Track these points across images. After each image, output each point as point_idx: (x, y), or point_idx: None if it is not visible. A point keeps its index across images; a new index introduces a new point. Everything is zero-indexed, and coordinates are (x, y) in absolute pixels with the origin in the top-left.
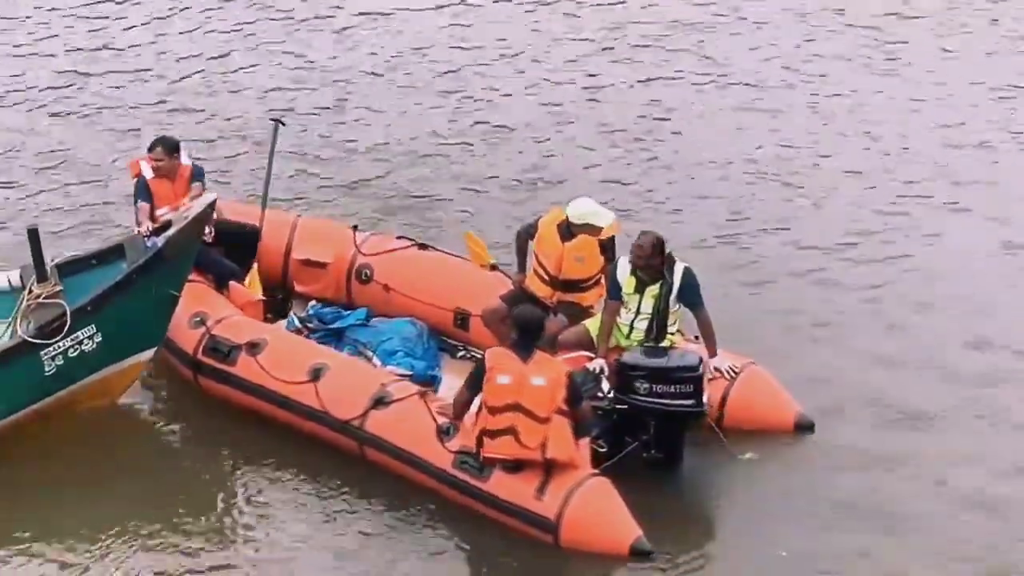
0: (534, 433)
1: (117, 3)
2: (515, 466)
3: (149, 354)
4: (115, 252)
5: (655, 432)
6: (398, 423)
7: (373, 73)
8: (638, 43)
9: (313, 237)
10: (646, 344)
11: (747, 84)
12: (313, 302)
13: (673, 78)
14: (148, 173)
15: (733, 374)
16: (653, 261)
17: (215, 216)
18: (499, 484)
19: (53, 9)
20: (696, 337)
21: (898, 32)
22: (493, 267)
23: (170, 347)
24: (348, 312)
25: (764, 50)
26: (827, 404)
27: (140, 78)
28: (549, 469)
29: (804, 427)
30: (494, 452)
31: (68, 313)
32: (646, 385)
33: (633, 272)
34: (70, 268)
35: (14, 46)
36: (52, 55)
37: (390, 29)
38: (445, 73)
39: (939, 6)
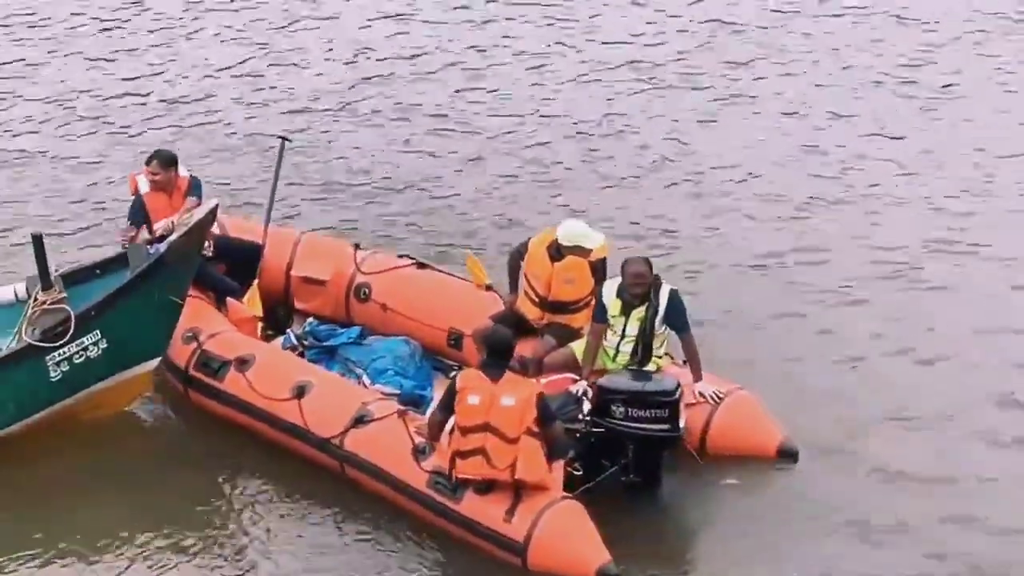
0: (504, 453)
1: (127, 21)
2: (486, 487)
3: (154, 363)
4: (119, 261)
5: (633, 456)
6: (376, 442)
7: (384, 92)
8: (661, 64)
9: (314, 254)
10: (628, 367)
11: (782, 114)
12: (311, 319)
13: (696, 108)
14: (145, 187)
15: (717, 399)
16: (649, 281)
17: (218, 232)
18: (470, 505)
19: (68, 25)
20: (684, 361)
21: (937, 65)
22: (488, 288)
23: (164, 360)
24: (342, 330)
25: (798, 81)
26: (819, 434)
27: (150, 92)
28: (519, 491)
29: (787, 454)
30: (465, 472)
31: (72, 317)
32: (622, 409)
33: (619, 295)
34: (75, 277)
35: (29, 62)
36: (66, 67)
37: (403, 49)
38: (459, 91)
39: (971, 41)
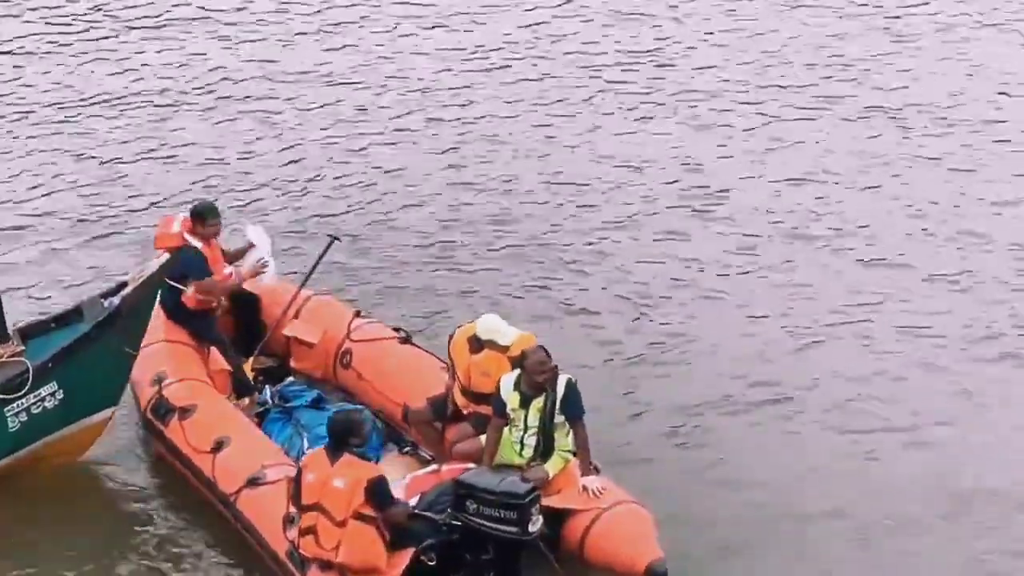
0: (330, 535)
1: (170, 104)
2: (326, 565)
3: (108, 413)
4: (74, 314)
5: (493, 554)
6: (260, 504)
7: (429, 173)
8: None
9: (312, 316)
10: (532, 462)
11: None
12: (290, 378)
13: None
14: (199, 243)
15: (598, 493)
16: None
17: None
18: None
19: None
20: (596, 468)
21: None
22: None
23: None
24: (303, 393)
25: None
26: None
27: (197, 169)
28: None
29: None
30: (303, 549)
31: (30, 370)
32: (474, 505)
33: (516, 387)
34: (31, 331)
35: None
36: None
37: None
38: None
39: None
